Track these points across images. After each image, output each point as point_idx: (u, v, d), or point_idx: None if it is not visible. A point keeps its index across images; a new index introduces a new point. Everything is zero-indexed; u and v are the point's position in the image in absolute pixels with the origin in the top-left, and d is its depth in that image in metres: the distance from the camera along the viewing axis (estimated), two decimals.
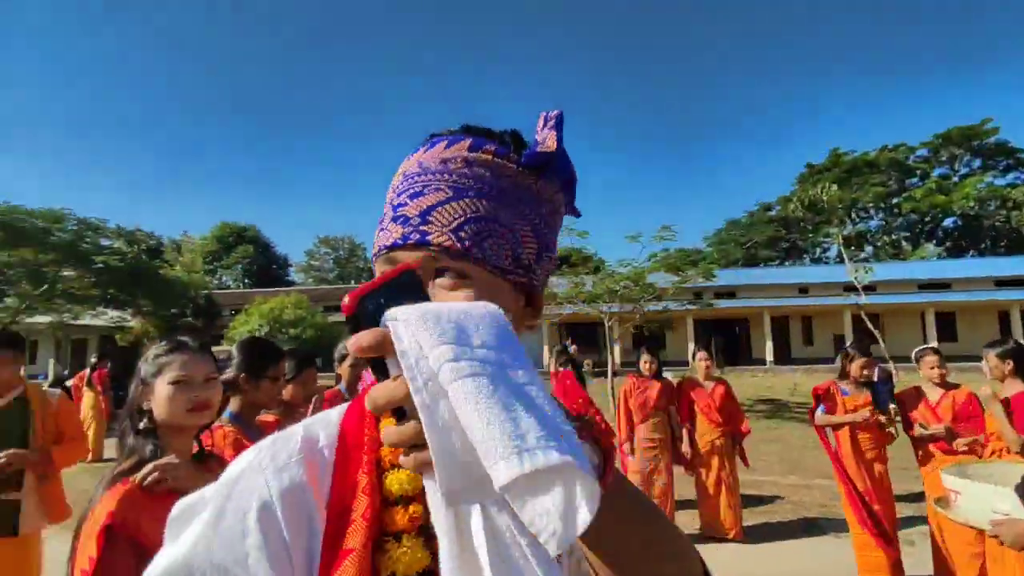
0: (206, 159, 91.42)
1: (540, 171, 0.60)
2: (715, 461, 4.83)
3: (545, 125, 0.58)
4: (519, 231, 0.58)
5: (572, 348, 6.87)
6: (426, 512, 0.52)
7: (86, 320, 18.59)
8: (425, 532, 0.54)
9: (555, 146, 0.58)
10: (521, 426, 0.34)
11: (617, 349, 23.11)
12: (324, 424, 0.60)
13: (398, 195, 0.59)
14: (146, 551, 1.14)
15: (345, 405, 0.62)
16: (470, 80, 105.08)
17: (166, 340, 1.45)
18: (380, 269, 0.57)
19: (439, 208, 0.56)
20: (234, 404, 1.94)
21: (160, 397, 1.35)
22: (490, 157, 0.59)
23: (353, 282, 49.70)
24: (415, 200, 0.57)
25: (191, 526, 0.53)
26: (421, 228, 0.55)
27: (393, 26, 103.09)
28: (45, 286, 14.39)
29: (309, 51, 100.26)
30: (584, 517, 0.33)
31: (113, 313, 19.55)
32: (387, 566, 0.52)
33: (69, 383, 9.92)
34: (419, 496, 0.55)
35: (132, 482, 1.22)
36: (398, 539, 0.53)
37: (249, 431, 1.85)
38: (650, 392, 5.02)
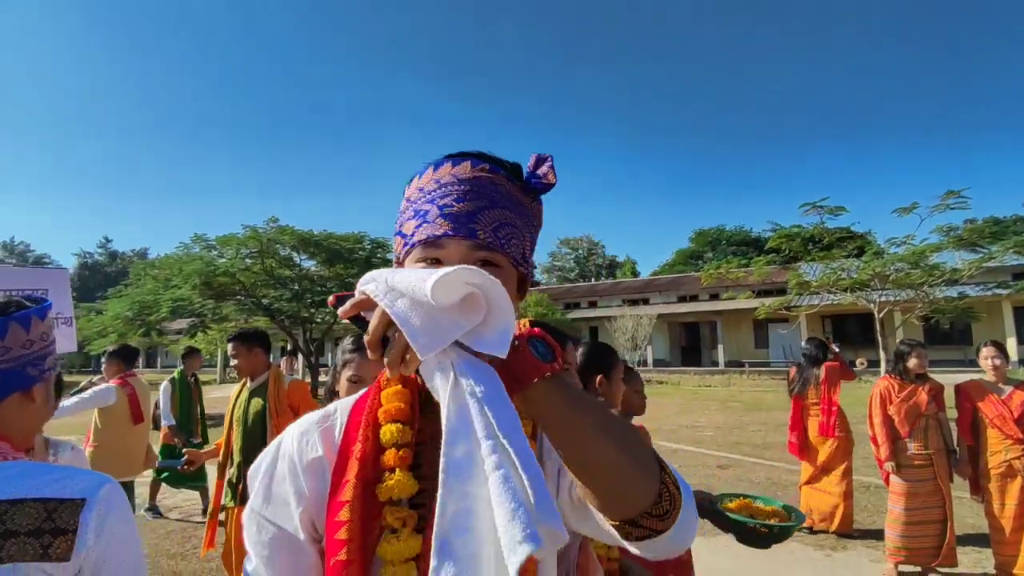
0: None
1: (536, 196, 0.79)
2: (1014, 487, 3.77)
3: (541, 164, 0.77)
4: (525, 236, 0.77)
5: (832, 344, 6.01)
6: (416, 453, 0.74)
7: None
8: (415, 469, 0.73)
9: (555, 181, 0.76)
10: (423, 276, 0.54)
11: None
12: (346, 402, 0.82)
13: (441, 197, 0.74)
14: None
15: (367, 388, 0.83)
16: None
17: (353, 339, 1.75)
18: (424, 254, 0.74)
19: (484, 212, 0.73)
20: None
21: (341, 389, 1.66)
22: (505, 181, 0.76)
23: (592, 279, 51.18)
24: (460, 204, 0.73)
25: (259, 472, 0.78)
26: (470, 226, 0.72)
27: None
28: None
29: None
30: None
31: None
32: (383, 493, 0.71)
33: None
34: (409, 443, 0.74)
35: None
36: (392, 472, 0.72)
37: None
38: (919, 397, 4.16)
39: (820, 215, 10.22)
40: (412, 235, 0.74)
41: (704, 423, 12.42)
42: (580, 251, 62.65)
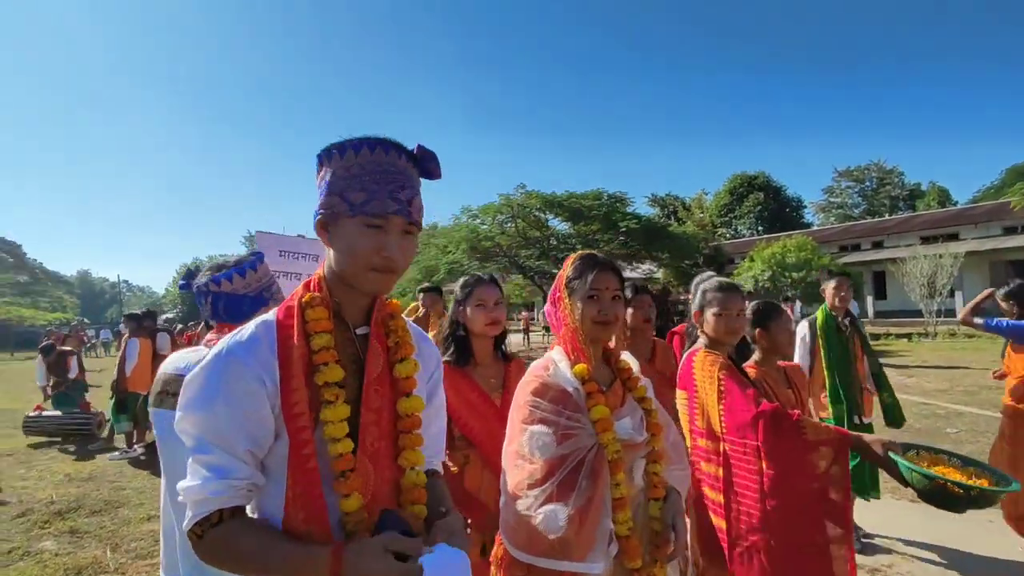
0: (712, 120, 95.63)
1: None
2: None
3: (428, 156, 1.11)
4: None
5: None
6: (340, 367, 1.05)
7: (626, 274, 23.39)
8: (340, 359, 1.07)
9: (440, 176, 1.15)
10: None
11: None
12: (267, 323, 1.07)
13: (386, 181, 1.04)
14: (448, 406, 1.94)
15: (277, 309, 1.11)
16: None
17: (471, 275, 2.14)
18: (370, 221, 1.02)
19: (414, 199, 1.08)
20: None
21: (470, 315, 2.05)
22: (414, 170, 1.11)
23: (887, 215, 42.70)
24: (402, 191, 1.05)
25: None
26: (408, 209, 1.06)
27: None
28: (595, 250, 19.11)
29: None
30: None
31: (645, 267, 23.88)
32: (320, 378, 1.01)
33: None
34: (333, 345, 1.05)
35: (445, 364, 2.00)
36: (326, 365, 1.03)
37: None
38: None
39: None
40: (361, 204, 1.02)
41: None
42: (867, 182, 52.71)
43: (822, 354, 3.96)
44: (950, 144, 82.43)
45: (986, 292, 4.03)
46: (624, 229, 17.87)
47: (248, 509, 1.03)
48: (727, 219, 45.05)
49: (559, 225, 20.47)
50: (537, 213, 19.68)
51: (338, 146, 1.06)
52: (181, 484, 0.98)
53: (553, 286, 1.65)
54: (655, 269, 24.05)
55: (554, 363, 1.57)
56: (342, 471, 1.01)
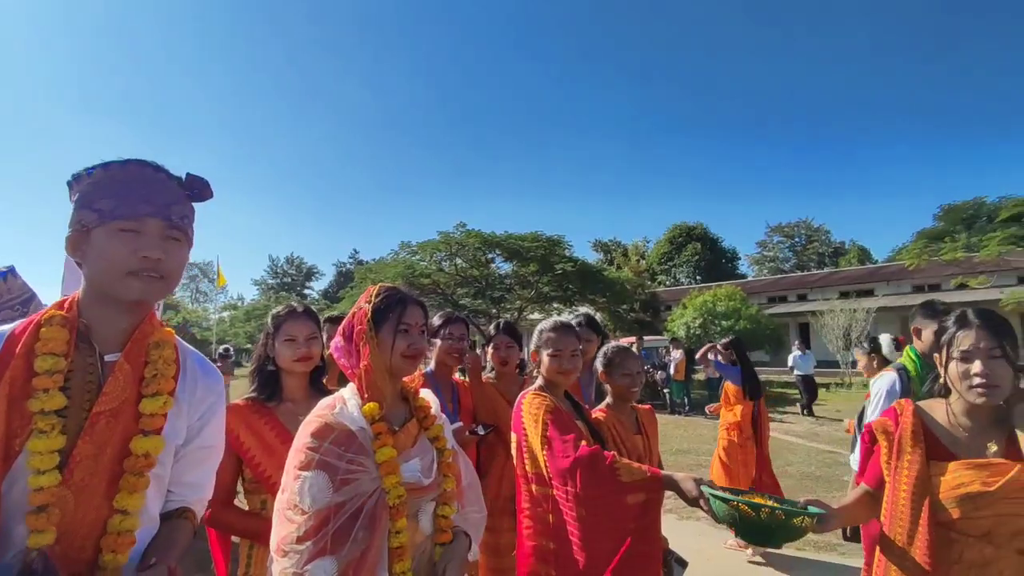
0: (662, 168, 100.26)
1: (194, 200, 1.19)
2: None
3: (198, 181, 1.13)
4: (193, 224, 1.17)
5: None
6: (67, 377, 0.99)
7: (563, 316, 23.56)
8: (64, 389, 1.00)
9: (212, 196, 1.16)
10: None
11: None
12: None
13: (138, 188, 1.02)
14: (240, 446, 1.78)
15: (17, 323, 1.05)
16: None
17: (284, 306, 1.99)
18: (125, 225, 1.00)
19: (174, 205, 1.08)
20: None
21: (278, 350, 1.89)
22: (177, 187, 1.11)
23: (814, 268, 45.37)
24: (157, 196, 1.05)
25: None
26: (166, 212, 1.05)
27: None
28: (532, 291, 19.25)
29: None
30: None
31: (583, 310, 24.22)
32: (35, 405, 0.96)
33: None
34: (63, 369, 1.00)
35: (246, 401, 1.87)
36: (47, 391, 0.97)
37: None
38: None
39: None
40: (111, 210, 0.99)
41: None
42: (797, 238, 56.10)
43: None
44: (874, 205, 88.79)
45: (709, 345, 5.01)
46: (560, 271, 18.12)
47: None
48: (667, 267, 46.48)
49: (502, 265, 20.56)
50: (476, 252, 19.72)
51: (88, 168, 1.04)
52: None
53: (348, 320, 1.53)
54: (592, 312, 24.40)
55: (343, 401, 1.47)
56: (40, 505, 0.94)
